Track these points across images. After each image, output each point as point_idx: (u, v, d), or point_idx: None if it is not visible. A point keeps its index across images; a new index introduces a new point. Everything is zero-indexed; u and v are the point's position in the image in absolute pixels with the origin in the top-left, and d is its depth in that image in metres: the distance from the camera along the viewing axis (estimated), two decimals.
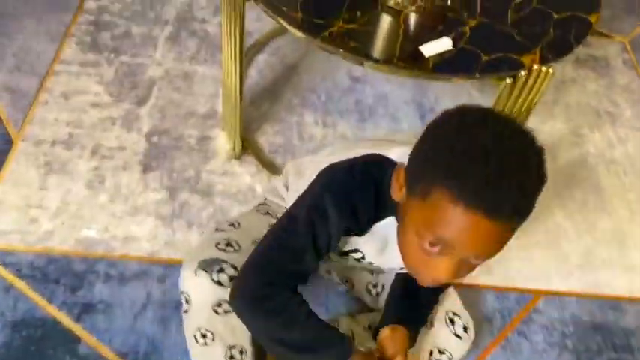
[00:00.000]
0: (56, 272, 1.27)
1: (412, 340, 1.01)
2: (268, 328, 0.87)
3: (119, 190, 1.42)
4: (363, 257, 1.00)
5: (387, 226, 0.90)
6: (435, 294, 1.07)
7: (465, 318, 1.10)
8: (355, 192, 0.86)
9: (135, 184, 1.43)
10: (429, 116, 1.68)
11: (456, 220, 0.71)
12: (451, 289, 1.13)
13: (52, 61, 1.64)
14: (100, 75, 1.64)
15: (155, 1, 1.85)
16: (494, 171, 0.70)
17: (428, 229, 0.75)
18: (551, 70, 1.08)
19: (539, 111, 1.77)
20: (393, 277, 1.11)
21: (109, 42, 1.72)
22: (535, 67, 1.06)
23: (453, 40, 1.09)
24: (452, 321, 1.08)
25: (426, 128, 0.79)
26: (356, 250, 0.99)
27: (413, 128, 1.65)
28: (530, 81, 1.09)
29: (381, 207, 0.88)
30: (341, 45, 1.07)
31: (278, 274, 0.87)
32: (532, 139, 0.76)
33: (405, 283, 1.06)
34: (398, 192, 0.82)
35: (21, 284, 1.24)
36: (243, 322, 0.89)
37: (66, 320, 1.20)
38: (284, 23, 1.10)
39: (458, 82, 1.74)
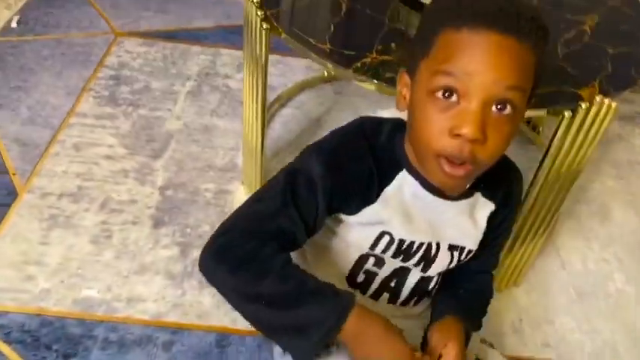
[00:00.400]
0: (49, 336, 1.11)
1: (466, 335, 0.84)
2: (236, 280, 0.72)
3: (126, 246, 1.28)
4: (392, 239, 0.82)
5: (403, 189, 0.80)
6: (481, 283, 0.94)
7: None
8: (346, 148, 0.78)
9: (144, 240, 1.30)
10: None
11: (463, 46, 0.66)
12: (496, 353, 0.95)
13: (66, 114, 1.57)
14: (116, 128, 1.55)
15: (177, 57, 1.80)
16: None
17: (436, 75, 0.68)
18: (614, 105, 0.95)
19: (586, 167, 1.62)
20: None
21: (127, 96, 1.65)
22: (597, 98, 0.94)
23: None
24: None
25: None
26: (383, 234, 0.82)
27: None
28: (591, 115, 0.96)
29: (384, 164, 0.78)
30: (375, 75, 0.96)
31: (251, 225, 0.75)
32: None
33: (446, 283, 0.93)
34: (402, 100, 0.75)
35: (7, 350, 1.09)
36: (208, 281, 0.74)
37: None
38: (313, 54, 1.00)
39: None
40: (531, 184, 1.11)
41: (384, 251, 0.83)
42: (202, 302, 1.20)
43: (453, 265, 0.88)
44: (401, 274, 0.88)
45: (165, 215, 1.36)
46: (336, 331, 0.70)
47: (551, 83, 0.98)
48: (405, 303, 0.91)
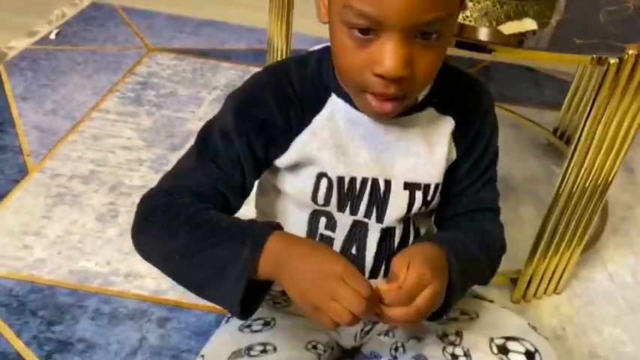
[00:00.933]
0: (36, 303, 1.02)
1: (451, 281, 0.68)
2: (153, 242, 0.70)
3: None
4: (330, 181, 0.72)
5: (334, 116, 0.72)
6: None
7: (532, 340, 0.74)
8: (257, 87, 0.73)
9: None
10: None
11: None
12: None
13: (89, 109, 1.55)
14: (137, 124, 1.52)
15: (206, 70, 1.80)
16: None
17: (348, 9, 0.59)
18: None
19: (631, 189, 1.51)
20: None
21: (152, 98, 1.63)
22: None
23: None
24: (504, 350, 0.74)
25: None
26: (320, 177, 0.73)
27: None
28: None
29: (311, 93, 0.72)
30: None
31: (169, 185, 0.72)
32: None
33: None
34: (322, 9, 0.67)
35: None
36: (138, 252, 0.74)
37: (31, 358, 0.93)
38: None
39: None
40: (565, 173, 1.01)
41: (326, 199, 0.73)
42: None
43: (416, 208, 0.75)
44: (359, 234, 0.76)
45: None
46: (253, 262, 0.61)
47: (596, 37, 0.91)
48: (373, 275, 0.78)
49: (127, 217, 1.22)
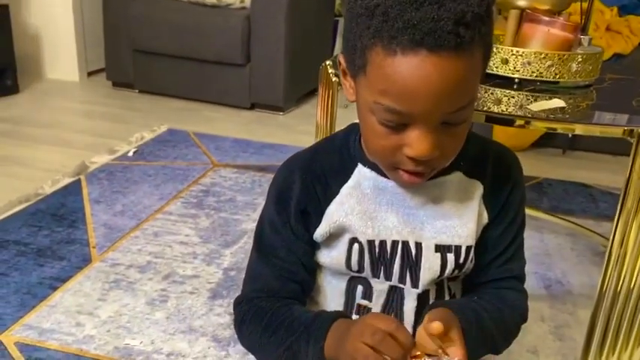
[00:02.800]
0: None
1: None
2: (250, 346, 0.80)
3: (180, 311, 1.23)
4: (361, 246, 0.75)
5: (361, 184, 0.75)
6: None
7: None
8: (286, 171, 0.79)
9: (198, 307, 1.25)
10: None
11: (399, 70, 0.60)
12: None
13: (155, 211, 1.67)
14: (196, 224, 1.61)
15: (265, 182, 1.92)
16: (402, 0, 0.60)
17: (377, 105, 0.63)
18: None
19: None
20: None
21: (212, 203, 1.74)
22: None
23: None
24: None
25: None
26: (352, 243, 0.75)
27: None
28: None
29: (337, 166, 0.77)
30: None
31: (249, 291, 0.80)
32: None
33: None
34: (349, 89, 0.71)
35: None
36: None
37: None
38: None
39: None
40: (606, 271, 0.98)
41: (360, 265, 0.75)
42: None
43: (449, 271, 0.75)
44: (396, 302, 0.77)
45: (224, 290, 1.32)
46: (320, 351, 0.70)
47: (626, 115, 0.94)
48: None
49: (175, 302, 1.26)
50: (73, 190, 1.78)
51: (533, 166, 2.18)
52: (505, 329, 0.76)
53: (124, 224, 1.59)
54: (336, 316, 0.72)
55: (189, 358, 1.10)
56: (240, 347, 1.12)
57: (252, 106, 2.72)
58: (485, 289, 0.79)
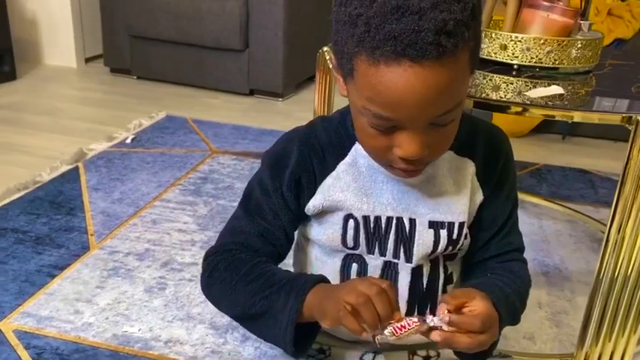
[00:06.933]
0: None
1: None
2: (217, 299, 0.85)
3: (178, 299, 1.24)
4: (356, 222, 0.77)
5: (357, 162, 0.78)
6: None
7: None
8: (285, 144, 0.83)
9: (196, 295, 1.25)
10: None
11: (383, 80, 0.61)
12: None
13: (153, 199, 1.67)
14: (194, 211, 1.61)
15: None
16: (383, 10, 0.59)
17: (366, 109, 0.66)
18: None
19: None
20: None
21: (211, 190, 1.74)
22: None
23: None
24: None
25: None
26: (347, 219, 0.78)
27: None
28: None
29: (336, 141, 0.79)
30: None
31: (227, 241, 0.83)
32: None
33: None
34: (342, 84, 0.72)
35: None
36: (209, 301, 0.89)
37: None
38: None
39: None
40: (603, 257, 0.98)
41: (355, 241, 0.77)
42: (242, 353, 1.09)
43: (442, 247, 0.76)
44: (390, 276, 0.79)
45: None
46: (298, 310, 0.72)
47: (625, 102, 0.93)
48: None
49: (173, 289, 1.26)
50: (71, 177, 1.77)
51: (532, 153, 2.18)
52: (521, 299, 0.80)
53: (122, 212, 1.59)
54: (322, 278, 0.76)
55: (187, 345, 1.10)
56: (237, 334, 1.14)
57: (251, 92, 2.71)
58: (493, 265, 0.80)
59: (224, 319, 1.18)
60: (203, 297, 1.23)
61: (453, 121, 0.67)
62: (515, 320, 0.78)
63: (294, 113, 2.51)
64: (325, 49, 1.16)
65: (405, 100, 0.61)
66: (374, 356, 0.80)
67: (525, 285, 0.80)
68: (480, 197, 0.78)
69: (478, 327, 0.64)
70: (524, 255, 0.87)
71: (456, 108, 0.64)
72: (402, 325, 0.63)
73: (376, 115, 0.64)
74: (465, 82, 0.65)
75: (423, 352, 0.80)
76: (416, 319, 0.64)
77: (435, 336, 0.64)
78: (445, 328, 0.64)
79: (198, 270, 1.33)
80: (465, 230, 0.77)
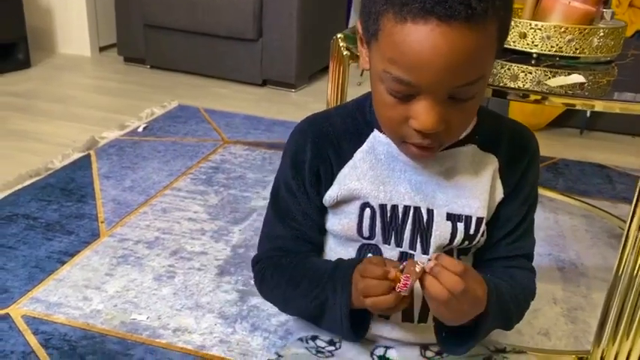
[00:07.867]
0: (86, 348, 1.04)
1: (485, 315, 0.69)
2: (273, 299, 0.83)
3: (187, 287, 1.23)
4: (373, 211, 0.75)
5: (376, 149, 0.75)
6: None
7: None
8: (298, 138, 0.79)
9: (206, 284, 1.24)
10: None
11: (409, 39, 0.59)
12: None
13: (164, 187, 1.66)
14: (205, 200, 1.60)
15: (276, 159, 1.90)
16: None
17: (387, 73, 0.63)
18: None
19: None
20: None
21: (222, 180, 1.73)
22: None
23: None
24: None
25: None
26: (364, 208, 0.76)
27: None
28: None
29: (352, 129, 0.76)
30: None
31: (265, 249, 0.83)
32: None
33: None
34: (365, 57, 0.70)
35: (43, 354, 1.02)
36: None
37: None
38: None
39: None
40: (622, 254, 0.95)
41: (371, 230, 0.75)
42: (250, 342, 1.08)
43: (458, 240, 0.74)
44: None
45: (231, 267, 1.31)
46: (347, 302, 0.72)
47: None
48: (422, 317, 0.77)
49: (182, 278, 1.25)
50: (82, 165, 1.77)
51: (549, 147, 2.14)
52: (518, 305, 0.77)
53: (132, 200, 1.58)
54: (354, 262, 0.73)
55: (195, 334, 1.09)
56: (246, 324, 1.13)
57: (264, 83, 2.69)
58: (496, 267, 0.78)
59: (233, 309, 1.17)
60: (212, 286, 1.24)
61: (474, 99, 0.64)
62: (506, 321, 0.75)
63: (306, 104, 2.49)
64: (339, 35, 1.14)
65: (428, 63, 0.59)
66: (385, 350, 0.78)
67: (525, 293, 0.77)
68: (500, 195, 0.76)
69: (459, 270, 0.63)
70: (539, 250, 0.84)
71: (478, 81, 0.62)
72: (404, 282, 0.64)
73: (396, 78, 0.62)
74: (491, 54, 0.63)
75: (435, 348, 0.78)
76: (412, 268, 0.64)
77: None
78: (431, 264, 0.63)
79: (207, 259, 1.33)
80: (483, 227, 0.74)
